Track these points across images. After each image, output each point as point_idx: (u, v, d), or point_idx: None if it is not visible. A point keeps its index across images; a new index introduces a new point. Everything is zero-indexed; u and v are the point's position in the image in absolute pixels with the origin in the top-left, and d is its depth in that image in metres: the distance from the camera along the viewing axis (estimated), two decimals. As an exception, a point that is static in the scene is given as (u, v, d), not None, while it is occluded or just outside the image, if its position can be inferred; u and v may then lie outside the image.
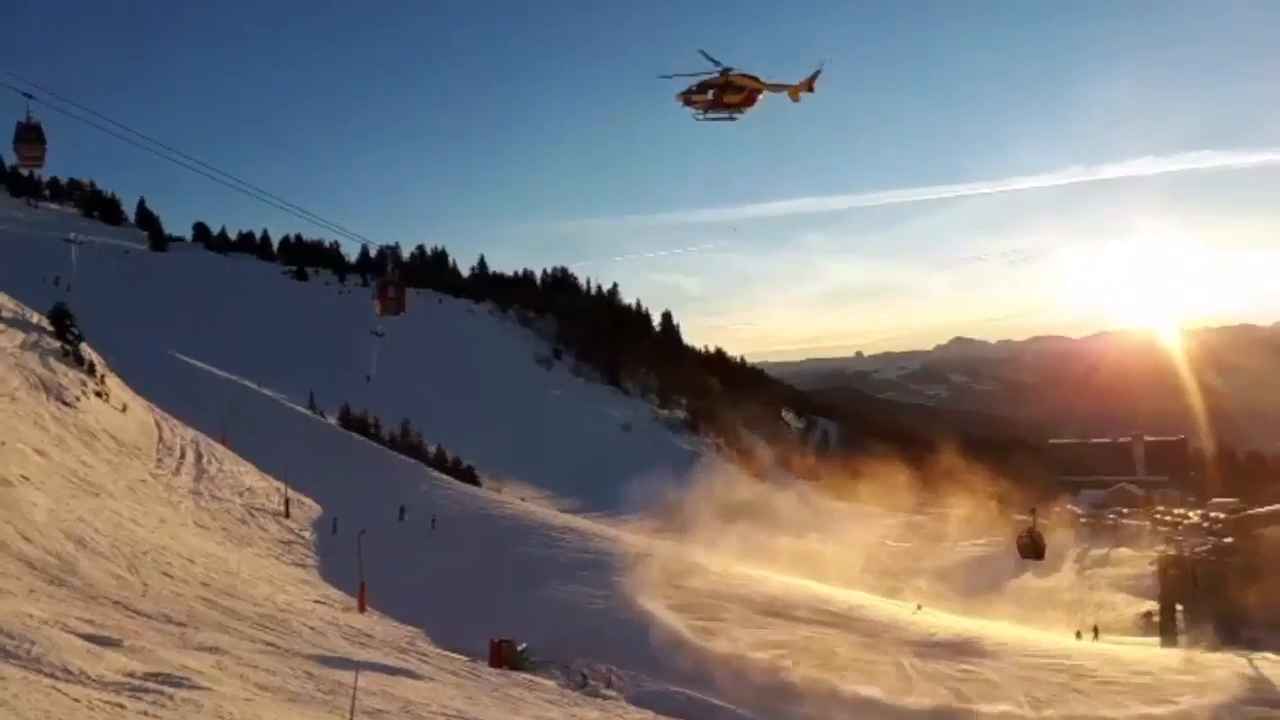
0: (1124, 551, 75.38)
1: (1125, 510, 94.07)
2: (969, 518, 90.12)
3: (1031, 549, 35.77)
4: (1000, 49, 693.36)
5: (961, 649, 33.50)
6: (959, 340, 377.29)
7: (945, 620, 40.21)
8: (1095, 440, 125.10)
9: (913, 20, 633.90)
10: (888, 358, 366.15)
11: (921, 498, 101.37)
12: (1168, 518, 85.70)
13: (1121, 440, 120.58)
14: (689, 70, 18.20)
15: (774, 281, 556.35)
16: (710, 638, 31.44)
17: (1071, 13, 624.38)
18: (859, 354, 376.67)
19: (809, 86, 17.96)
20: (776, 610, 36.61)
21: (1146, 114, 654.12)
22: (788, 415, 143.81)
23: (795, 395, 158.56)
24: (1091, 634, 46.56)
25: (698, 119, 18.63)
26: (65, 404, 35.25)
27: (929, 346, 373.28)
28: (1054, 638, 41.65)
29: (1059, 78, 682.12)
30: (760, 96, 18.21)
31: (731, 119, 18.50)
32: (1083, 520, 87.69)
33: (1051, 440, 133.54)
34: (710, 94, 18.16)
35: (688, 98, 18.43)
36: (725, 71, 17.89)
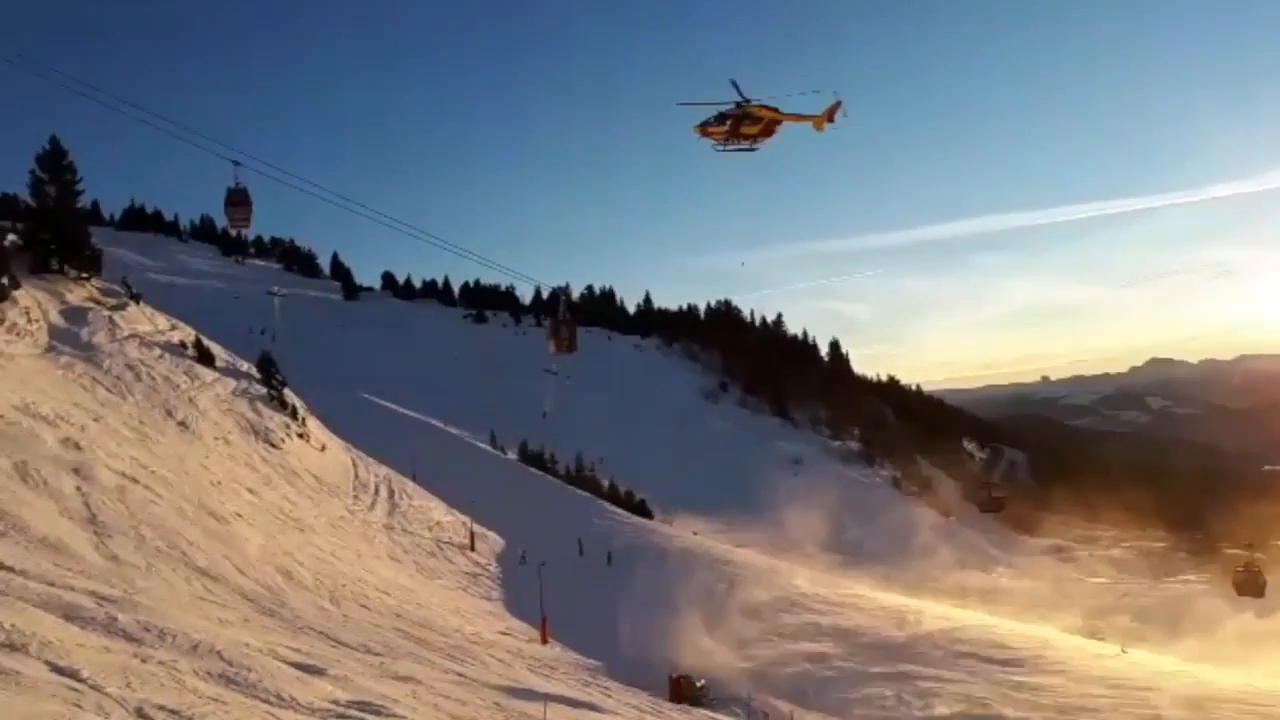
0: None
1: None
2: (1174, 552, 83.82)
3: (1250, 585, 33.16)
4: (1190, 45, 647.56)
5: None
6: (1156, 361, 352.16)
7: (1155, 663, 37.28)
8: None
9: (1089, 21, 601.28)
10: (1078, 381, 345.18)
11: (1121, 531, 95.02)
12: None
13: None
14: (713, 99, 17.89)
15: (946, 306, 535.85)
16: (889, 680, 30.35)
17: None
18: (1045, 379, 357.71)
19: (830, 117, 17.40)
20: (961, 653, 35.01)
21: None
22: (970, 445, 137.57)
23: (977, 424, 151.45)
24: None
25: (717, 150, 18.27)
26: (272, 445, 37.91)
27: (1123, 369, 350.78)
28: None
29: (1258, 73, 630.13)
30: (779, 127, 17.74)
31: (751, 149, 18.07)
32: (1310, 555, 79.63)
33: (1267, 467, 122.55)
34: (727, 125, 17.84)
35: (704, 129, 18.14)
36: (742, 102, 17.53)
